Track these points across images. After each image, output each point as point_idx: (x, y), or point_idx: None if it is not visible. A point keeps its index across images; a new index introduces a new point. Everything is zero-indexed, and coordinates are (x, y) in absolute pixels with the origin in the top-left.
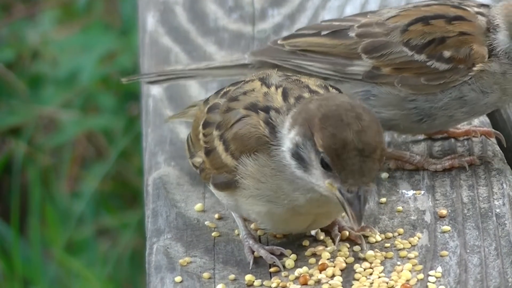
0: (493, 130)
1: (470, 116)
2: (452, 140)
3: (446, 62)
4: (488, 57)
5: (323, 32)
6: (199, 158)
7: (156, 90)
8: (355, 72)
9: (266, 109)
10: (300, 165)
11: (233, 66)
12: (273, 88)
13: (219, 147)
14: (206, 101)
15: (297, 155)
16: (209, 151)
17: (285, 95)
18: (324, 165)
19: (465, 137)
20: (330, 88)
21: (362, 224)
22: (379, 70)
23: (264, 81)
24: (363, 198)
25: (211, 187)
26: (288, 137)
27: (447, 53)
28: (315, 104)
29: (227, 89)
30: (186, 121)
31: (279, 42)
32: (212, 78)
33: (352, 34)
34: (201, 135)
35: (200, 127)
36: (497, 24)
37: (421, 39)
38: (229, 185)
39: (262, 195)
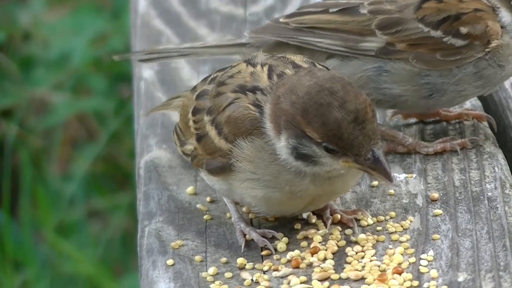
0: (485, 113)
1: (482, 90)
2: (444, 123)
3: (463, 39)
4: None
5: (332, 10)
6: (190, 146)
7: (147, 73)
8: (368, 48)
9: (253, 90)
10: (308, 162)
11: (231, 45)
12: (259, 67)
13: (211, 131)
14: (194, 88)
15: (301, 155)
16: (201, 137)
17: (270, 73)
18: (331, 151)
19: (457, 120)
20: (317, 65)
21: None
22: (393, 46)
23: (249, 62)
24: (381, 157)
25: (203, 173)
26: (282, 145)
27: (464, 29)
28: (287, 102)
29: (215, 75)
30: None
31: (281, 20)
32: (208, 57)
33: (363, 11)
34: (191, 122)
35: (190, 115)
36: (495, 3)
37: (436, 16)
38: (223, 169)
39: (259, 179)
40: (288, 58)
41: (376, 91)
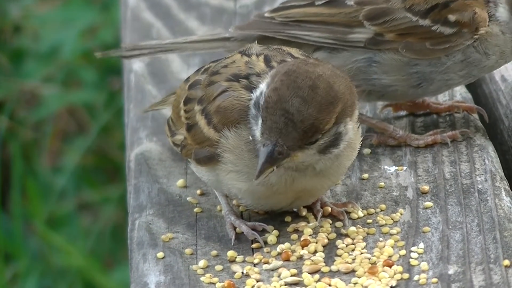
0: (476, 105)
1: (464, 80)
2: (434, 116)
3: (451, 26)
4: (488, 21)
5: (317, 2)
6: (181, 136)
7: (138, 66)
8: (357, 40)
9: (247, 76)
10: (255, 115)
11: (214, 39)
12: (254, 57)
13: (201, 121)
14: (187, 79)
15: (256, 104)
16: (191, 127)
17: (267, 61)
18: (260, 111)
19: (448, 113)
20: (312, 58)
21: (261, 178)
22: (382, 37)
23: (244, 53)
24: (271, 155)
25: (192, 164)
26: (259, 89)
27: (452, 17)
28: (287, 64)
29: (208, 65)
30: None
31: (266, 15)
32: (192, 52)
33: (350, 2)
34: (182, 112)
35: (181, 104)
36: None
37: (424, 4)
38: (211, 159)
39: (241, 172)
40: (284, 50)
41: (365, 82)
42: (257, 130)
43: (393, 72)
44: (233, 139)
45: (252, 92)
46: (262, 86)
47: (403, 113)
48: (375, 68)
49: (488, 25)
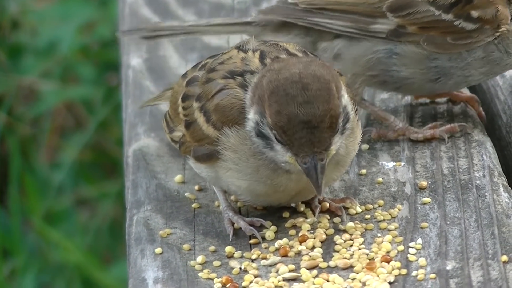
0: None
1: (485, 77)
2: (433, 111)
3: (474, 22)
4: (510, 19)
5: None
6: (179, 132)
7: (136, 61)
8: (379, 30)
9: (242, 73)
10: (266, 144)
11: (236, 23)
12: (250, 53)
13: (200, 118)
14: (184, 75)
15: (260, 134)
16: (190, 124)
17: (262, 57)
18: (279, 141)
19: (446, 107)
20: (309, 54)
21: (324, 190)
22: (404, 29)
23: (240, 48)
24: (318, 166)
25: (191, 161)
26: (250, 117)
27: (475, 13)
28: (267, 78)
29: (205, 61)
30: None
31: (290, 0)
32: (214, 35)
33: None
34: (180, 109)
35: (179, 101)
36: None
37: None
38: (210, 156)
39: (242, 171)
40: (281, 46)
41: (384, 73)
42: (283, 155)
43: (413, 65)
44: (234, 138)
45: (244, 89)
46: (252, 116)
47: (424, 100)
48: (395, 59)
49: (509, 23)
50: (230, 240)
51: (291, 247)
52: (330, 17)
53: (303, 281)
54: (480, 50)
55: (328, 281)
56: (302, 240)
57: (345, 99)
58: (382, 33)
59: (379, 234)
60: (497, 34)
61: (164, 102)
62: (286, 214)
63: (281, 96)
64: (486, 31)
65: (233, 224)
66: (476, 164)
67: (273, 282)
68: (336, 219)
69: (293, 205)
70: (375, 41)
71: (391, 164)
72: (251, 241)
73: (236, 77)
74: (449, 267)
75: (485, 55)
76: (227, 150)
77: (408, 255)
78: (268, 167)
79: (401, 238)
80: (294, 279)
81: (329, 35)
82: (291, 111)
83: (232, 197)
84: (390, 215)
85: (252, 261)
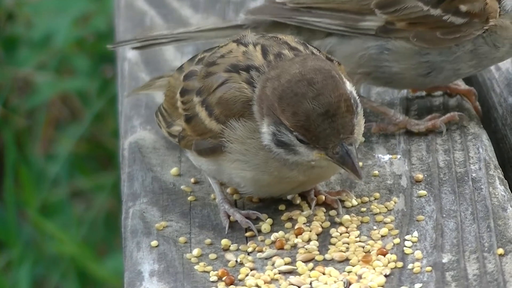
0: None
1: (475, 70)
2: (428, 103)
3: (462, 16)
4: (499, 13)
5: None
6: (178, 127)
7: (131, 54)
8: (368, 27)
9: (247, 69)
10: (288, 150)
11: (227, 27)
12: (251, 46)
13: (202, 113)
14: (180, 69)
15: (280, 143)
16: (190, 118)
17: (264, 52)
18: (303, 141)
19: (442, 100)
20: (309, 46)
21: (362, 174)
22: (393, 25)
23: (239, 42)
24: (350, 151)
25: (192, 154)
26: (264, 131)
27: (463, 7)
28: (269, 88)
29: (202, 55)
30: None
31: (278, 0)
32: (205, 41)
33: None
34: (179, 103)
35: (178, 95)
36: None
37: None
38: (214, 150)
39: (248, 162)
40: (280, 39)
41: (376, 69)
42: (308, 154)
43: (404, 60)
44: (241, 130)
45: (252, 86)
46: (266, 129)
47: (397, 101)
48: (387, 55)
49: (498, 17)
50: (226, 233)
51: (287, 240)
52: (319, 16)
53: (299, 274)
54: (469, 43)
55: (324, 274)
56: (298, 233)
57: (348, 84)
58: (371, 30)
59: (375, 227)
60: (486, 27)
61: (154, 91)
62: (282, 207)
63: (291, 98)
64: (475, 24)
65: (229, 216)
66: (472, 157)
67: (269, 275)
68: (332, 212)
69: (289, 197)
70: (366, 38)
71: (387, 157)
72: (247, 233)
73: (241, 72)
74: (445, 260)
75: (474, 48)
76: (233, 142)
77: (404, 248)
78: (278, 160)
79: (397, 231)
80: (290, 272)
81: (321, 34)
82: (306, 108)
83: (228, 190)
84: (386, 208)
85: (248, 254)
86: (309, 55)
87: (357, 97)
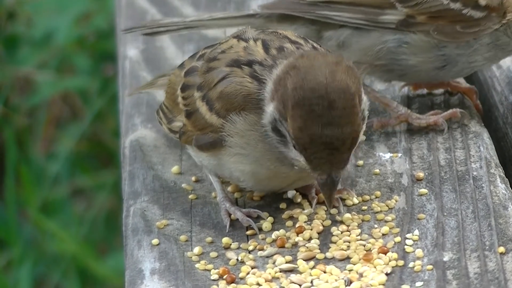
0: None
1: (488, 62)
2: (429, 102)
3: (481, 10)
4: None
5: None
6: (179, 122)
7: (132, 52)
8: (388, 21)
9: (249, 63)
10: (280, 140)
11: (239, 16)
12: (251, 42)
13: (202, 107)
14: (181, 65)
15: (276, 129)
16: (191, 113)
17: (266, 47)
18: (297, 149)
19: (443, 98)
20: (309, 40)
21: (336, 204)
22: (413, 19)
23: (240, 37)
24: (334, 183)
25: (192, 149)
26: (268, 110)
27: (482, 1)
28: (292, 80)
29: (203, 52)
30: None
31: None
32: (216, 28)
33: None
34: (180, 99)
35: (179, 91)
36: None
37: None
38: (214, 144)
39: (248, 155)
40: (280, 33)
41: (393, 61)
42: (296, 155)
43: (421, 54)
44: (242, 124)
45: (259, 83)
46: (271, 110)
47: (423, 91)
48: (405, 49)
49: None
50: (227, 231)
51: (288, 238)
52: (338, 10)
53: (300, 272)
54: (487, 37)
55: (325, 272)
56: (299, 231)
57: (364, 101)
58: (391, 23)
59: (376, 225)
60: (504, 22)
61: (156, 89)
62: (283, 205)
63: (306, 112)
64: (493, 18)
65: (230, 215)
66: (473, 155)
67: (270, 273)
68: (333, 210)
69: (290, 196)
70: (384, 31)
71: (388, 155)
72: (248, 232)
73: (243, 66)
74: (446, 258)
75: (492, 41)
76: (233, 136)
77: (405, 246)
78: (274, 154)
79: (398, 229)
80: (291, 270)
81: (334, 25)
82: (314, 131)
83: (229, 188)
84: (387, 206)
85: (249, 252)
86: (340, 62)
87: (366, 111)
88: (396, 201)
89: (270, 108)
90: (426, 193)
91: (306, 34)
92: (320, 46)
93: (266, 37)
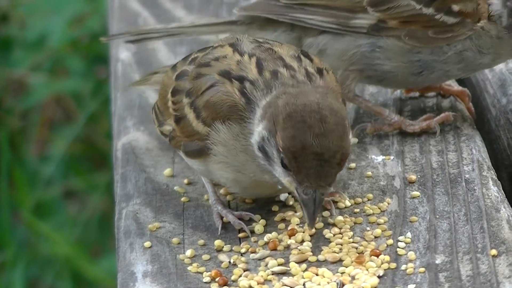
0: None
1: (463, 73)
2: (421, 104)
3: (455, 16)
4: (488, 18)
5: None
6: (169, 126)
7: (124, 55)
8: (360, 25)
9: (240, 79)
10: (266, 159)
11: (221, 23)
12: (246, 57)
13: (190, 114)
14: (174, 67)
15: (263, 149)
16: (180, 119)
17: (259, 67)
18: (284, 165)
19: (435, 101)
20: (303, 57)
21: (316, 224)
22: (385, 23)
23: (236, 48)
24: (317, 200)
25: (182, 154)
26: (257, 130)
27: (456, 7)
28: (284, 100)
29: (195, 55)
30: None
31: None
32: (198, 36)
33: None
34: (170, 103)
35: (169, 95)
36: None
37: None
38: (200, 152)
39: (230, 164)
40: (275, 52)
41: (368, 67)
42: (281, 175)
43: (396, 59)
44: (225, 133)
45: (247, 100)
46: (260, 130)
47: (390, 102)
48: (378, 53)
49: (488, 21)
50: (219, 233)
51: (280, 240)
52: (312, 13)
53: (292, 275)
54: (459, 44)
55: (317, 274)
56: (291, 234)
57: (350, 137)
58: (363, 28)
59: (368, 228)
60: (475, 28)
61: (150, 86)
62: (275, 208)
63: (297, 122)
64: (467, 24)
65: (222, 217)
66: (465, 158)
67: (262, 275)
68: (325, 213)
69: (282, 198)
70: (357, 36)
71: (380, 158)
72: (240, 234)
73: (234, 80)
74: (438, 261)
75: (462, 50)
76: (217, 145)
77: (397, 249)
78: (254, 164)
79: (390, 232)
80: (283, 273)
81: (314, 31)
82: (306, 140)
83: (222, 191)
84: (379, 209)
85: (241, 254)
86: (330, 92)
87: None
88: (388, 203)
89: (259, 128)
90: (419, 196)
91: (287, 41)
92: (312, 62)
93: (261, 55)
